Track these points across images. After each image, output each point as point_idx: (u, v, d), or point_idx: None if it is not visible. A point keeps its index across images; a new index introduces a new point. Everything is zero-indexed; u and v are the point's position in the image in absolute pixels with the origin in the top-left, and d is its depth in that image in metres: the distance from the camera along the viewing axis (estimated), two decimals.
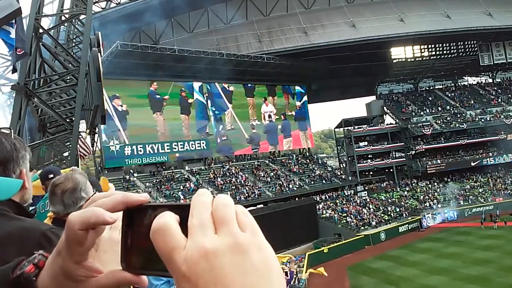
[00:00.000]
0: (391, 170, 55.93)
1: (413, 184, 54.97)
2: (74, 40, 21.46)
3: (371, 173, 56.58)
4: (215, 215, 0.53)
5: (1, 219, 1.49)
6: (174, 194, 39.87)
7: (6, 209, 1.56)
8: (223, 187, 43.45)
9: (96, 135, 31.51)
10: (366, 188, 52.36)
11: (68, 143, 16.72)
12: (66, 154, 17.22)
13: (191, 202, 0.55)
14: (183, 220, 0.54)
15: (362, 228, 43.27)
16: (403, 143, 56.56)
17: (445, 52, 61.26)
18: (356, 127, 57.81)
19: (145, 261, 0.58)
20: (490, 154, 55.42)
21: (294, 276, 29.57)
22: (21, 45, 9.13)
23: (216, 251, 0.50)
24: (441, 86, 65.86)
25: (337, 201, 48.17)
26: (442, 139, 56.27)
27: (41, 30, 15.80)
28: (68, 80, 17.25)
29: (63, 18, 19.39)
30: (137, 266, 0.60)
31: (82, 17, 18.37)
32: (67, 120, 16.22)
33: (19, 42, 9.05)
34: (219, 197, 0.56)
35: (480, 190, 52.25)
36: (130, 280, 0.62)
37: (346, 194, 50.26)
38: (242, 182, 45.48)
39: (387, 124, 60.11)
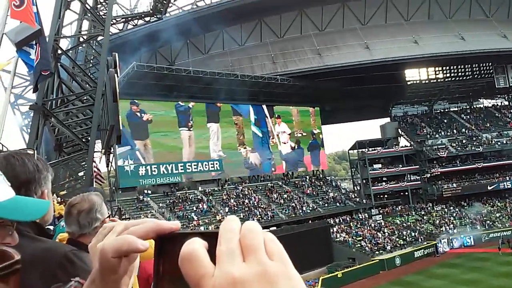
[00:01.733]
0: (406, 193, 55.20)
1: (429, 208, 54.14)
2: (91, 61, 21.74)
3: (385, 196, 55.93)
4: (243, 242, 0.52)
5: (24, 241, 1.48)
6: (187, 215, 39.72)
7: (28, 229, 1.59)
8: (236, 208, 43.20)
9: (111, 155, 31.67)
10: (380, 211, 51.66)
11: (84, 162, 16.78)
12: (81, 174, 17.25)
13: (220, 229, 0.55)
14: (212, 248, 0.53)
15: (377, 252, 42.58)
16: (418, 166, 55.99)
17: (460, 74, 60.93)
18: (370, 149, 57.38)
19: None
20: (507, 178, 54.51)
21: None
22: (45, 66, 9.20)
23: (244, 280, 0.49)
24: (456, 109, 65.43)
25: (351, 224, 47.55)
26: (458, 162, 55.58)
27: (59, 51, 16.02)
28: (85, 100, 17.41)
29: (81, 39, 19.69)
30: None
31: (99, 38, 18.64)
32: (83, 140, 16.30)
33: (43, 64, 9.11)
34: (247, 224, 0.55)
35: (498, 215, 51.28)
36: None
37: (361, 217, 49.60)
38: (255, 204, 45.20)
39: (402, 147, 59.68)
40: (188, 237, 0.57)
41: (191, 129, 46.11)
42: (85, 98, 17.32)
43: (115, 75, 14.09)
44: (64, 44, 28.89)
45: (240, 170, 49.48)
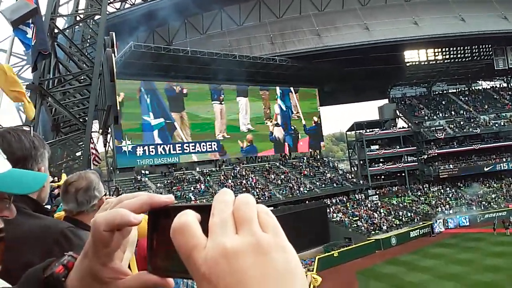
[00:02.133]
0: (403, 174, 55.51)
1: (425, 189, 54.51)
2: (88, 41, 21.62)
3: (382, 177, 56.21)
4: (236, 214, 0.51)
5: (22, 217, 1.50)
6: (185, 195, 39.97)
7: (24, 206, 1.58)
8: (234, 189, 43.40)
9: (109, 135, 31.78)
10: (377, 192, 52.01)
11: (81, 142, 16.83)
12: (79, 153, 17.32)
13: (213, 201, 0.54)
14: (205, 221, 0.52)
15: (373, 232, 42.99)
16: (415, 147, 56.17)
17: (459, 55, 60.63)
18: (368, 130, 57.49)
19: (171, 263, 0.57)
20: (504, 159, 54.79)
21: None
22: (42, 46, 9.15)
23: (236, 252, 0.48)
24: (454, 90, 65.35)
25: (348, 204, 47.92)
26: (455, 144, 55.75)
27: (56, 30, 15.93)
28: (82, 80, 17.37)
29: (78, 18, 19.54)
30: (163, 268, 0.59)
31: (96, 17, 18.49)
32: (81, 120, 16.31)
33: (40, 43, 9.07)
34: (241, 196, 0.54)
35: (493, 196, 51.65)
36: (156, 283, 0.62)
37: (357, 198, 49.97)
38: (253, 184, 45.46)
39: (400, 128, 59.82)
40: (182, 210, 0.56)
41: (222, 102, 48.26)
42: (82, 78, 17.27)
43: (112, 54, 14.08)
44: (61, 23, 28.69)
45: (266, 144, 51.43)
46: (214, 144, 47.02)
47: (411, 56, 59.05)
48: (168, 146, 43.89)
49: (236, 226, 0.50)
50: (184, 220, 0.51)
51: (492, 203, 50.00)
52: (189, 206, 0.56)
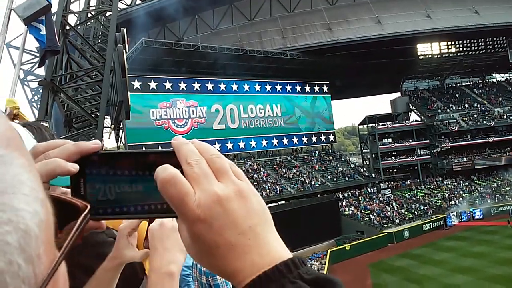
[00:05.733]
0: (416, 167, 55.19)
1: (438, 182, 54.12)
2: (100, 37, 21.84)
3: (395, 170, 55.95)
4: (213, 166, 0.60)
5: None
6: None
7: None
8: None
9: (121, 131, 32.02)
10: (389, 185, 51.77)
11: (93, 138, 17.04)
12: None
13: (179, 149, 0.61)
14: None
15: (385, 226, 42.88)
16: (428, 141, 55.76)
17: (473, 48, 59.95)
18: (380, 124, 57.18)
19: (103, 206, 0.59)
20: None
21: None
22: (49, 44, 9.29)
23: (227, 197, 0.58)
24: (468, 83, 64.67)
25: (360, 198, 47.81)
26: (469, 137, 55.23)
27: (68, 27, 16.14)
28: (93, 76, 17.57)
29: (89, 15, 19.77)
30: (96, 212, 0.59)
31: (108, 14, 18.69)
32: (93, 115, 16.54)
33: (47, 41, 9.22)
34: (207, 148, 0.63)
35: (507, 189, 51.11)
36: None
37: (369, 191, 49.80)
38: (264, 178, 45.50)
39: (412, 121, 59.37)
40: (115, 156, 0.60)
41: None
42: (94, 74, 17.47)
43: (124, 50, 14.21)
44: (72, 20, 28.96)
45: None
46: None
47: (424, 49, 58.55)
48: None
49: (216, 176, 0.60)
50: (172, 172, 0.58)
51: (506, 196, 49.51)
52: (128, 153, 0.61)
